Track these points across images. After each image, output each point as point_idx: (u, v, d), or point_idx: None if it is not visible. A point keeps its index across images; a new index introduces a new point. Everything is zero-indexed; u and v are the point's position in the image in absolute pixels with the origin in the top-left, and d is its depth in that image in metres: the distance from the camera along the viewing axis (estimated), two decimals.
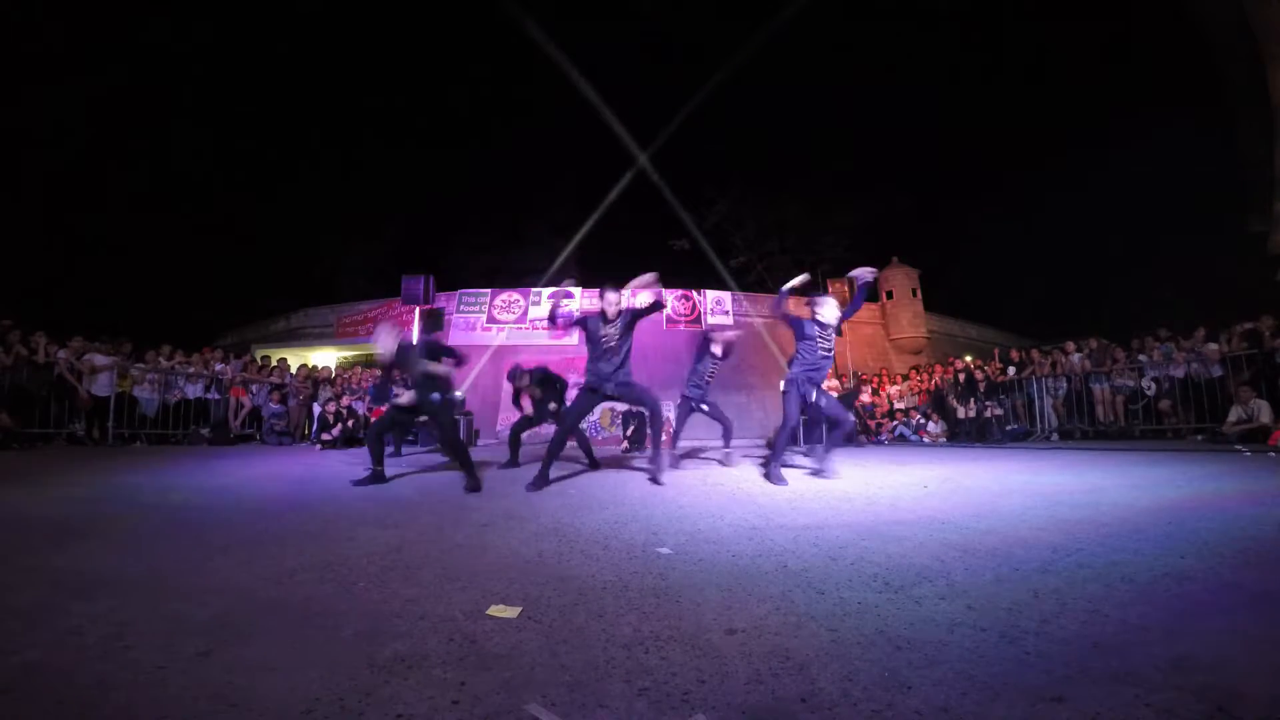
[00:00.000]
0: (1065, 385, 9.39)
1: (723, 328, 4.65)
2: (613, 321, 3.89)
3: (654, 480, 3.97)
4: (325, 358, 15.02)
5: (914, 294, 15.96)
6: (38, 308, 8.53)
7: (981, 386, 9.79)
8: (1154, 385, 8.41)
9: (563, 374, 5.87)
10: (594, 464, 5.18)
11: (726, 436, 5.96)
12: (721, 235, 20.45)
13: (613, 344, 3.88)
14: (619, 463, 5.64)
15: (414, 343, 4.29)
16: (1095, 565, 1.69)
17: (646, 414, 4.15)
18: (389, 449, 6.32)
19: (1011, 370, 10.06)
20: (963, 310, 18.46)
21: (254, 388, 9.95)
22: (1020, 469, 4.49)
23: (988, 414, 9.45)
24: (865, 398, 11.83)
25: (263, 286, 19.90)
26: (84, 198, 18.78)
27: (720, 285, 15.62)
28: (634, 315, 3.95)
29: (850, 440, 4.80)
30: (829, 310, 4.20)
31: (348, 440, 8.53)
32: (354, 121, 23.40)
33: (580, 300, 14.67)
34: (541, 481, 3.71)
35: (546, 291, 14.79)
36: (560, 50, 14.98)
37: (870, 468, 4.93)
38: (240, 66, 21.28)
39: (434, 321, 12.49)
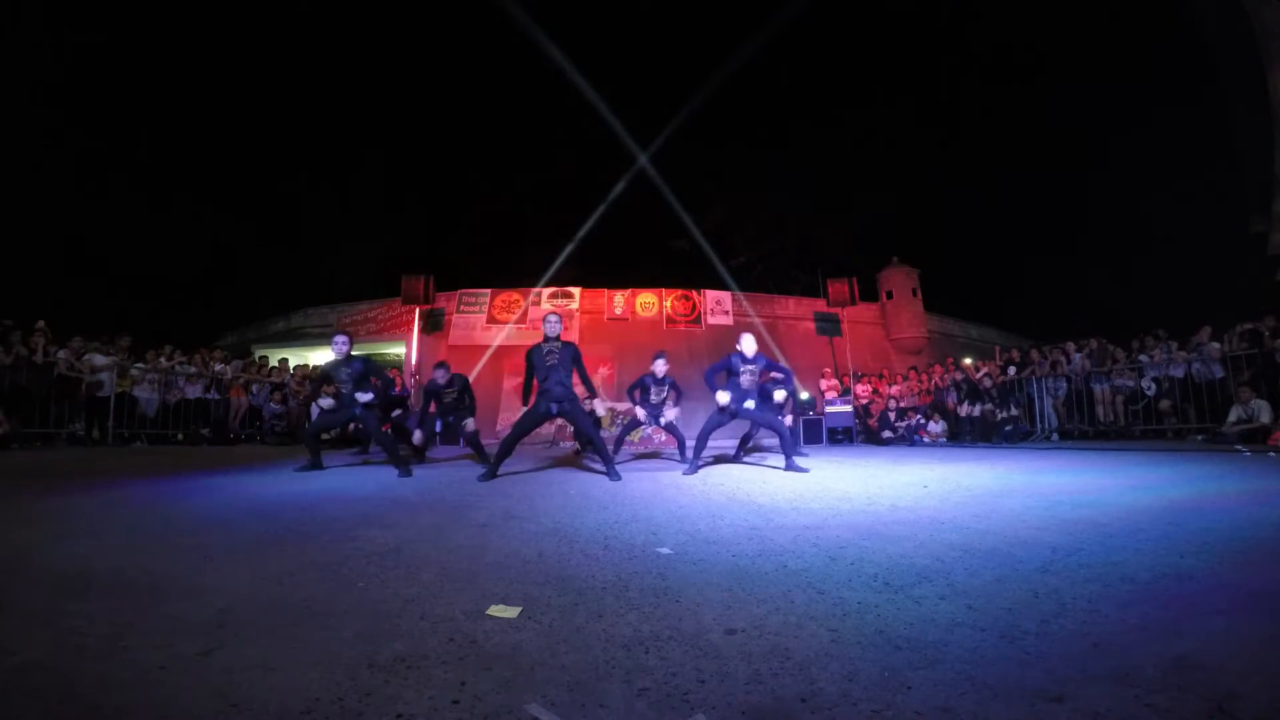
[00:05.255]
0: (1065, 385, 9.39)
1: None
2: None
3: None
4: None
5: (914, 294, 15.95)
6: (37, 308, 8.50)
7: (994, 391, 9.77)
8: (1154, 385, 8.40)
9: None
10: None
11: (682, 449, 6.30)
12: (721, 235, 20.45)
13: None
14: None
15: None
16: (1095, 565, 1.69)
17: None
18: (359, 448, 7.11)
19: (1012, 370, 10.06)
20: (963, 310, 18.45)
21: (254, 388, 9.95)
22: (1020, 469, 4.49)
23: (999, 416, 9.43)
24: (863, 399, 11.84)
25: (263, 286, 19.90)
26: (84, 197, 18.79)
27: (720, 285, 15.62)
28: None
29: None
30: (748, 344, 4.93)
31: (345, 441, 8.51)
32: (354, 121, 23.40)
33: (579, 300, 14.69)
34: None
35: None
36: (561, 49, 14.98)
37: (870, 468, 4.93)
38: (240, 65, 21.28)
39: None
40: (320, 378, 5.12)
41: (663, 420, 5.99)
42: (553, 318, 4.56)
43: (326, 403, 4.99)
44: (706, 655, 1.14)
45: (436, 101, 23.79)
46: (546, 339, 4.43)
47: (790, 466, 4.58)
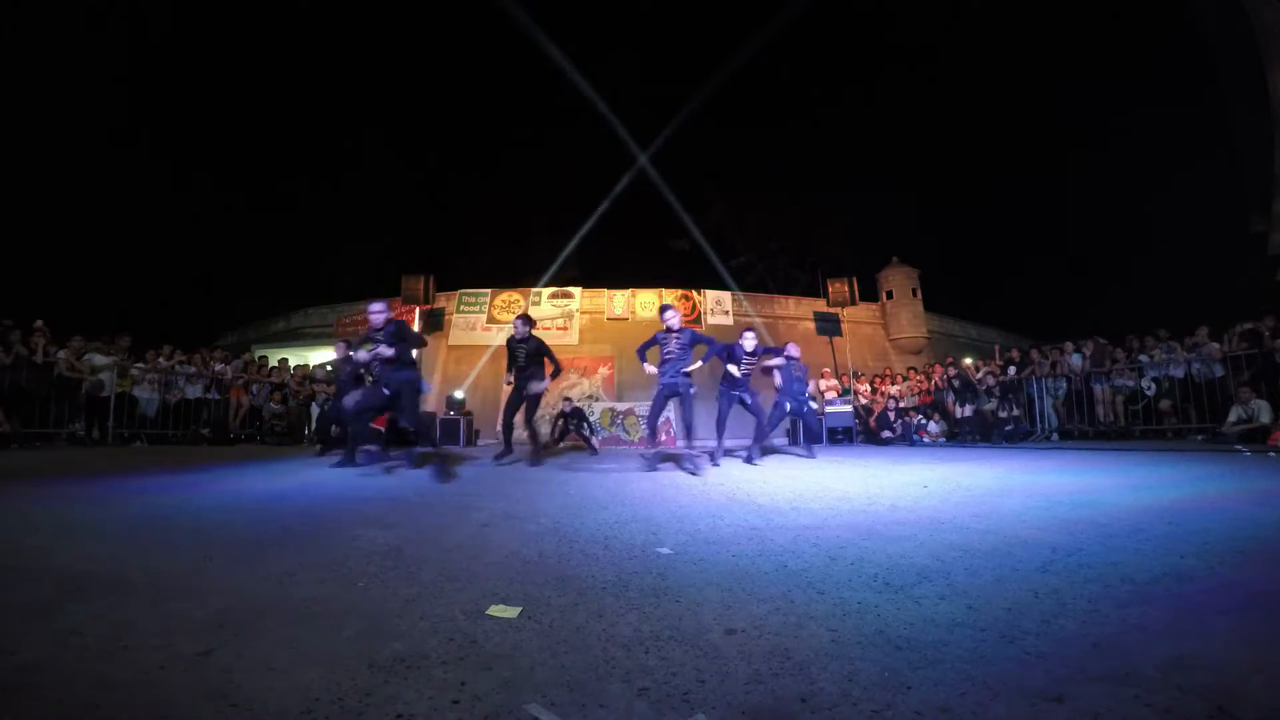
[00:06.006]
0: (1065, 385, 9.39)
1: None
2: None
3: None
4: (325, 358, 15.02)
5: (914, 294, 15.95)
6: (37, 308, 8.50)
7: (996, 390, 9.75)
8: (1154, 385, 8.40)
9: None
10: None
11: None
12: (721, 235, 20.48)
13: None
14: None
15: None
16: (1095, 565, 1.69)
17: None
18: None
19: (1012, 370, 10.06)
20: (963, 310, 18.46)
21: (254, 388, 9.95)
22: (1020, 469, 4.49)
23: (998, 416, 9.41)
24: (863, 399, 11.84)
25: (263, 286, 19.92)
26: (83, 197, 18.79)
27: (720, 285, 15.62)
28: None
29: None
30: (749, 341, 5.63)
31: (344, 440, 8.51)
32: (355, 121, 23.41)
33: (579, 300, 14.69)
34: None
35: (547, 291, 14.79)
36: (562, 50, 14.98)
37: (870, 468, 4.93)
38: (242, 65, 21.28)
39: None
40: (360, 341, 4.86)
41: (685, 371, 5.07)
42: (518, 322, 5.56)
43: (351, 354, 5.22)
44: (706, 655, 1.14)
45: (437, 102, 23.83)
46: (516, 339, 5.46)
47: (748, 458, 5.30)
